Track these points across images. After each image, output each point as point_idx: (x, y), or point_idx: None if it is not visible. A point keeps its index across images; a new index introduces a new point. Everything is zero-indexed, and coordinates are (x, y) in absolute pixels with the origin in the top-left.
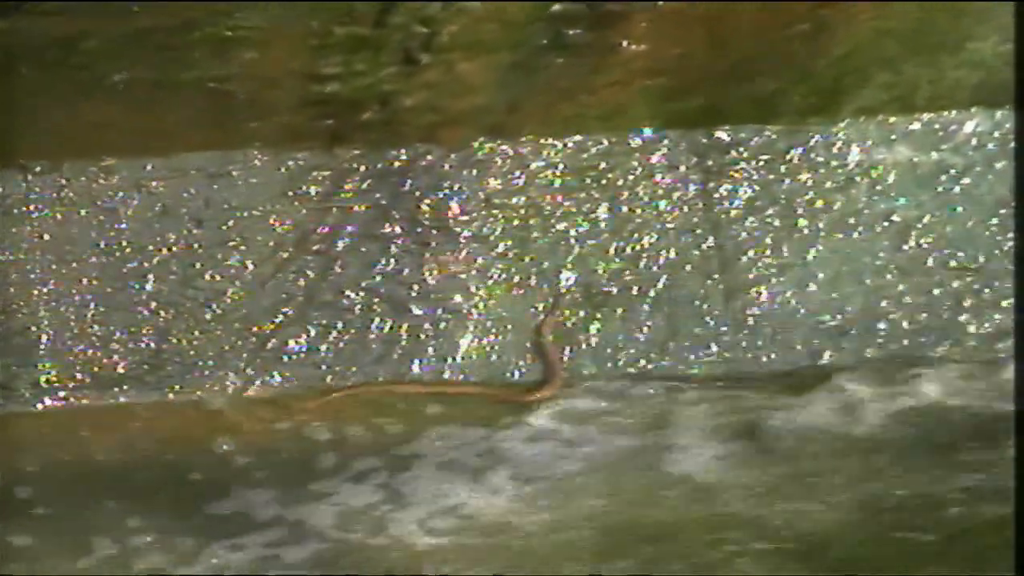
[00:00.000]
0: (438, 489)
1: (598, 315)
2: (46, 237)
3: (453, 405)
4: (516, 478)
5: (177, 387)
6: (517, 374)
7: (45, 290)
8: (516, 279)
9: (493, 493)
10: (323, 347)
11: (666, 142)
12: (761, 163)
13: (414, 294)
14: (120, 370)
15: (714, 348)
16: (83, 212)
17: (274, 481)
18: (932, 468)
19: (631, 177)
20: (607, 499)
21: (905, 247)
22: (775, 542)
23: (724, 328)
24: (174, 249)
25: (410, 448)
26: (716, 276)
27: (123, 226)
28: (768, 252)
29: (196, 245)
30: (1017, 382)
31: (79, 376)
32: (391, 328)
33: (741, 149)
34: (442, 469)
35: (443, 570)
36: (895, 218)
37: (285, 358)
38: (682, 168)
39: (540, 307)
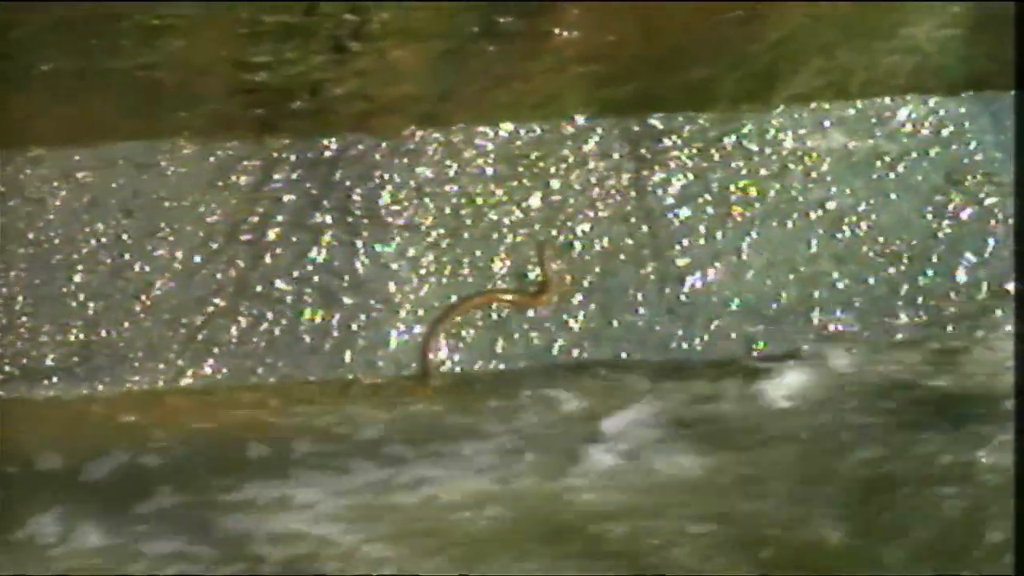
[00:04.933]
0: None
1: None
2: None
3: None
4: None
5: (107, 379)
6: (449, 364)
7: None
8: (448, 269)
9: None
10: (254, 338)
11: (599, 130)
12: (694, 151)
13: (345, 284)
14: (49, 363)
15: (648, 337)
16: (11, 203)
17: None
18: (873, 456)
19: (564, 165)
20: (536, 492)
21: (839, 235)
22: (713, 535)
23: (658, 317)
24: (103, 240)
25: None
26: (650, 265)
27: (51, 217)
28: (702, 240)
29: (125, 236)
30: (1017, 379)
31: (8, 369)
32: (322, 319)
33: (674, 137)
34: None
35: None
36: (829, 206)
37: (216, 349)
38: (615, 156)
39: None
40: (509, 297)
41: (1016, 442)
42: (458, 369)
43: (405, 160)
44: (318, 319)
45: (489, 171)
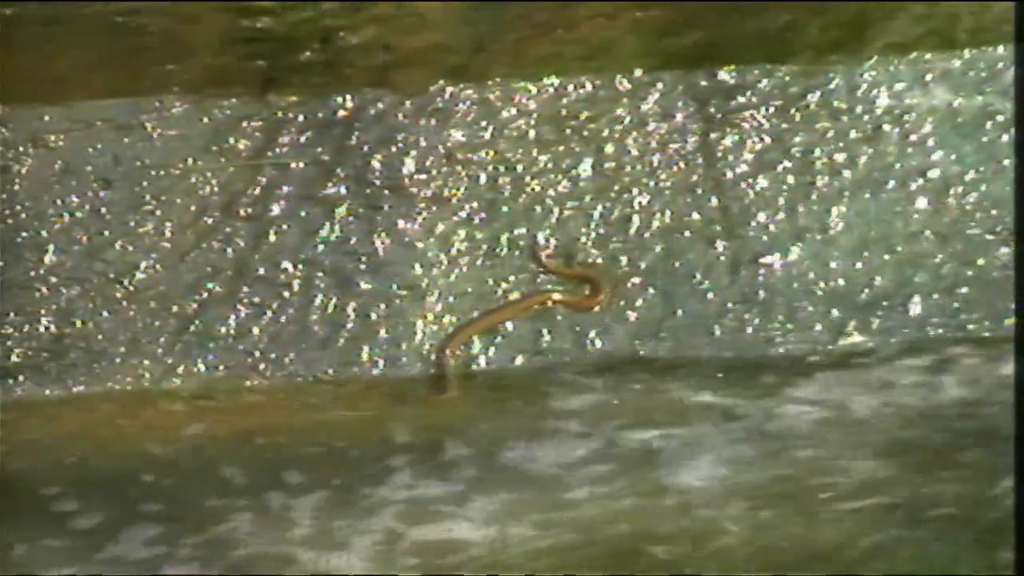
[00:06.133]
0: None
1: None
2: None
3: None
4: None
5: (83, 378)
6: (483, 361)
7: None
8: (483, 248)
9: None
10: (256, 329)
11: (660, 85)
12: (772, 110)
13: (363, 267)
14: (15, 359)
15: (718, 329)
16: None
17: None
18: (971, 472)
19: (619, 127)
20: (592, 509)
21: (943, 209)
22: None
23: (730, 305)
24: (77, 215)
25: None
26: (720, 244)
27: (16, 188)
28: (781, 215)
29: (103, 210)
30: (1017, 380)
31: None
32: (336, 307)
33: (749, 93)
34: None
35: None
36: (931, 174)
37: (211, 343)
38: (679, 116)
39: (511, 279)
40: (558, 297)
41: (1016, 437)
42: (493, 366)
43: (432, 121)
44: (331, 307)
45: (531, 134)
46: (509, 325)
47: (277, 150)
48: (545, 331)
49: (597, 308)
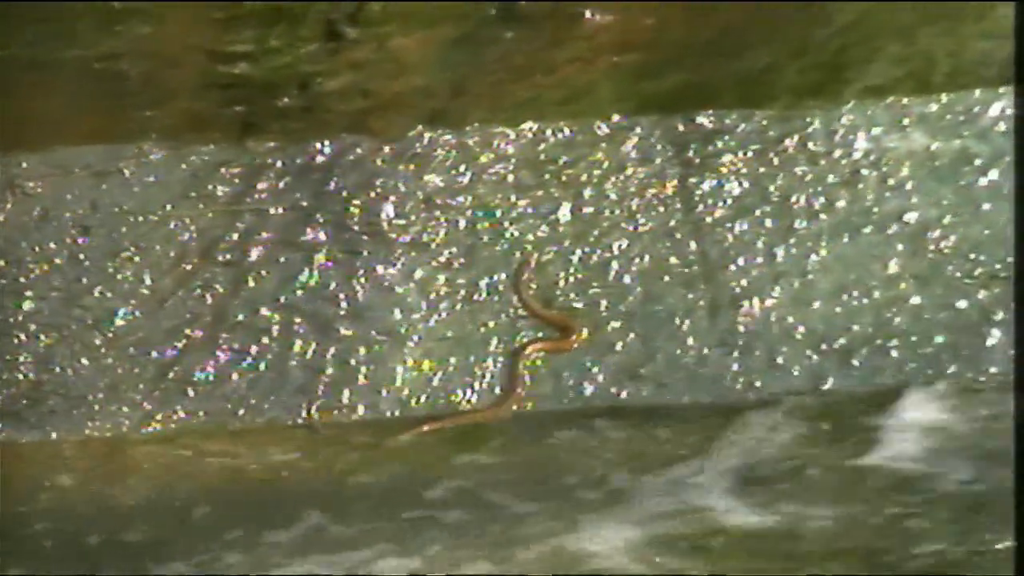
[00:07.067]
0: None
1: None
2: None
3: None
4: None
5: (62, 425)
6: (463, 403)
7: None
8: (462, 293)
9: None
10: (235, 375)
11: (638, 130)
12: (750, 154)
13: (342, 312)
14: None
15: (698, 374)
16: None
17: None
18: (955, 522)
19: (597, 172)
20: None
21: (921, 252)
22: None
23: (709, 350)
24: (56, 261)
25: None
26: (699, 288)
27: None
28: (760, 259)
29: (82, 256)
30: (1017, 385)
31: None
32: (315, 352)
33: (727, 137)
34: None
35: None
36: (909, 217)
37: (190, 389)
38: (658, 161)
39: (491, 324)
40: (536, 346)
41: (1016, 441)
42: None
43: (411, 166)
44: (310, 353)
45: (510, 179)
46: (491, 370)
47: (256, 196)
48: (525, 375)
49: (570, 350)
